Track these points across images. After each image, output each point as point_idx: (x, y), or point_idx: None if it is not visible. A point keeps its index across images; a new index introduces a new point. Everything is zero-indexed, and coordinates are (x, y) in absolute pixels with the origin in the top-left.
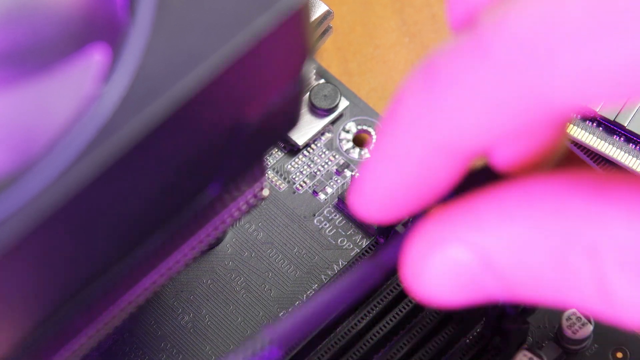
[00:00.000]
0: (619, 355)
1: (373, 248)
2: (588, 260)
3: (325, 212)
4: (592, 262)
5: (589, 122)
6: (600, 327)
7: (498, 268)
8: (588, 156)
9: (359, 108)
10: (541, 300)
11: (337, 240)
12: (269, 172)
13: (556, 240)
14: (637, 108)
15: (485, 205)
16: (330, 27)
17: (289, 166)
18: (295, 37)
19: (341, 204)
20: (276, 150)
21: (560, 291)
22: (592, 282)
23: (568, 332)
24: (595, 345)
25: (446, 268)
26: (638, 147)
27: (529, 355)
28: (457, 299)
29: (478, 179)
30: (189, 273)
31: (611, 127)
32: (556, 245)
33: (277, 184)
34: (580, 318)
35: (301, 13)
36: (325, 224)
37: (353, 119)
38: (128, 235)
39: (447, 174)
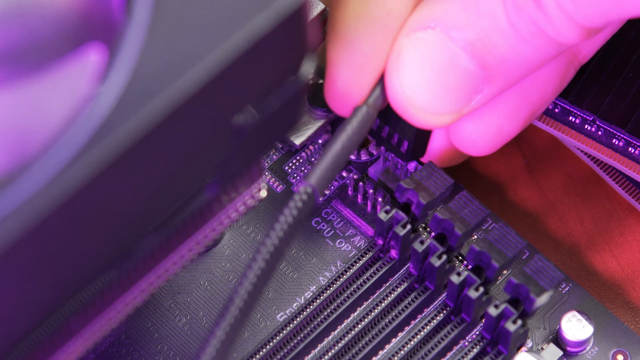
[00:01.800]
0: (620, 357)
1: (372, 249)
2: None
3: (322, 213)
4: None
5: (587, 126)
6: (601, 329)
7: (458, 30)
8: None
9: None
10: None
11: (335, 242)
12: (267, 172)
13: None
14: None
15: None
16: None
17: (287, 167)
18: (293, 37)
19: (339, 205)
20: (274, 151)
21: None
22: None
23: (568, 334)
24: (596, 347)
25: (416, 48)
26: (638, 151)
27: (529, 357)
28: (436, 89)
29: None
30: (186, 275)
31: (611, 131)
32: None
33: (275, 184)
34: (581, 320)
35: (300, 12)
36: (323, 225)
37: None
38: (124, 236)
39: None
